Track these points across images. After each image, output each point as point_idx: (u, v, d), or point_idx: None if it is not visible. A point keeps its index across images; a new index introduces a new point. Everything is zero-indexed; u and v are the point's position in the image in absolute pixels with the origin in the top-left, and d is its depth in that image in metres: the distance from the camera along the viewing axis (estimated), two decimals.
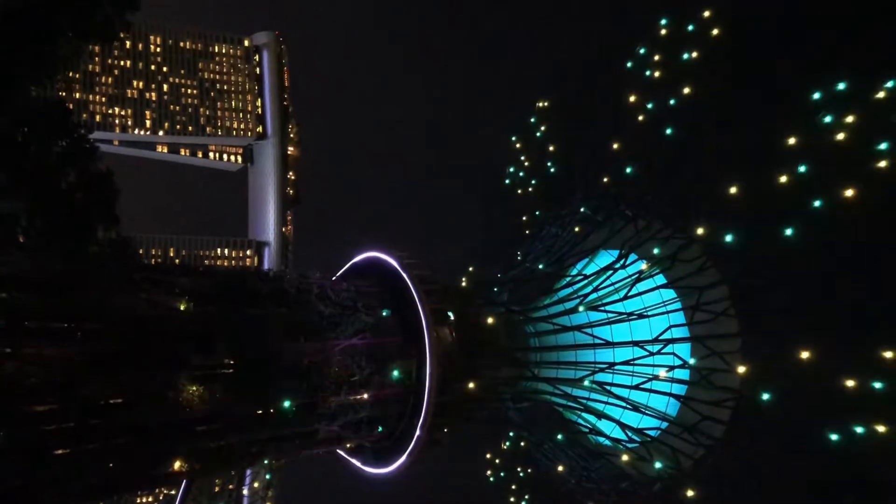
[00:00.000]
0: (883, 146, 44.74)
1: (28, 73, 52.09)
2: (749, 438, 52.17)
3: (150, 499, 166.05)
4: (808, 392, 46.27)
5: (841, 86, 46.93)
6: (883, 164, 44.53)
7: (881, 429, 42.74)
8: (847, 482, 45.87)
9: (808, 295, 48.28)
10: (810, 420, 46.38)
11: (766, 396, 47.37)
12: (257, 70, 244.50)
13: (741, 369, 50.20)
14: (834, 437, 44.26)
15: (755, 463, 50.62)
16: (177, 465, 42.92)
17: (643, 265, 56.03)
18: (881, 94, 45.71)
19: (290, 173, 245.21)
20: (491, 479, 70.76)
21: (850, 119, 46.21)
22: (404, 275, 53.20)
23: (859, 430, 43.49)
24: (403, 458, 52.71)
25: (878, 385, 42.93)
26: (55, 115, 54.03)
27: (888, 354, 42.18)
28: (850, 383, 43.36)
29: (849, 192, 44.21)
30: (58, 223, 49.43)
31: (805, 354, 44.55)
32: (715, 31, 55.03)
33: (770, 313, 51.57)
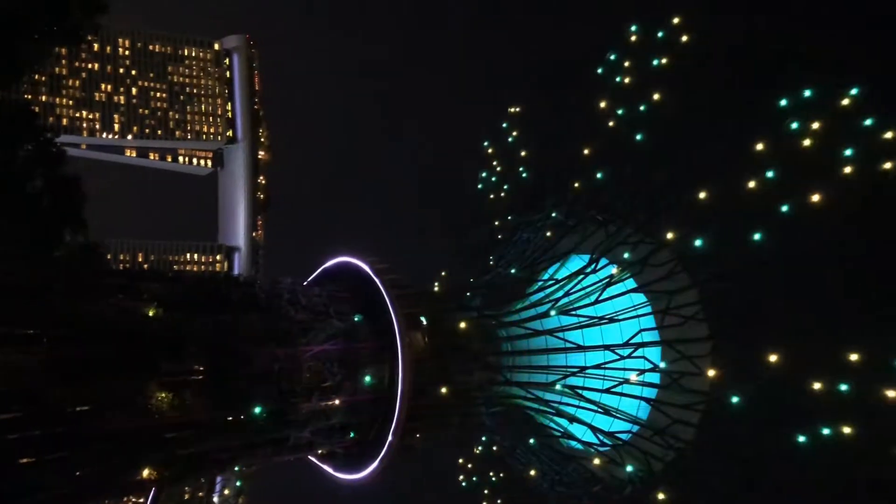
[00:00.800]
0: (848, 152, 45.65)
1: None
2: (718, 441, 52.65)
3: None
4: (776, 394, 46.83)
5: (807, 93, 47.77)
6: (848, 169, 45.46)
7: (847, 430, 43.42)
8: (816, 483, 46.47)
9: (776, 299, 48.95)
10: (778, 422, 46.99)
11: (735, 399, 47.89)
12: (228, 74, 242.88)
13: (711, 373, 50.69)
14: (801, 438, 44.95)
15: (725, 465, 51.10)
16: (146, 472, 42.43)
17: (614, 269, 56.37)
18: (845, 101, 46.67)
19: (261, 178, 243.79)
20: (464, 483, 70.71)
21: (815, 125, 47.06)
22: (376, 280, 53.06)
23: (826, 431, 44.17)
24: (375, 464, 52.51)
25: (843, 387, 43.62)
26: (21, 119, 53.32)
27: (853, 357, 42.83)
28: (817, 385, 44.00)
29: (815, 198, 44.93)
30: (24, 228, 48.75)
31: (773, 357, 45.13)
32: (684, 38, 55.64)
33: (739, 317, 52.12)
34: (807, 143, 47.36)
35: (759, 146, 48.66)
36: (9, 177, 50.74)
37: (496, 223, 69.49)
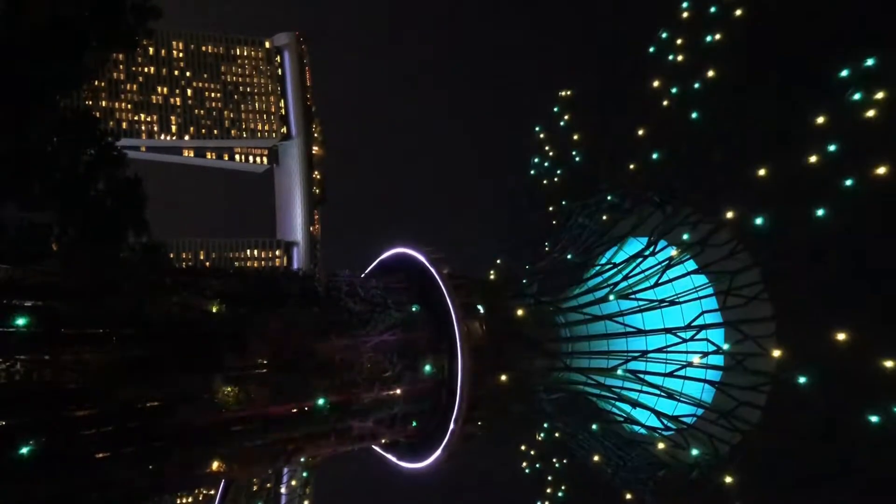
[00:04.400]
0: None
1: (56, 84, 52.84)
2: (786, 422, 51.57)
3: (189, 499, 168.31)
4: (845, 374, 45.56)
5: (870, 62, 46.05)
6: None
7: None
8: (888, 464, 45.14)
9: (842, 275, 47.54)
10: (849, 402, 45.68)
11: (802, 380, 46.78)
12: (279, 71, 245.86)
13: (776, 353, 49.63)
14: (874, 419, 43.58)
15: (793, 447, 50.04)
16: (215, 465, 43.41)
17: (673, 251, 55.56)
18: None
19: (316, 172, 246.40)
20: (527, 470, 70.73)
21: (879, 95, 45.31)
22: (432, 270, 53.24)
23: None
24: (438, 452, 52.84)
25: None
26: (83, 125, 54.79)
27: None
28: (889, 364, 42.59)
29: (881, 170, 43.43)
30: (89, 231, 50.17)
31: (841, 336, 43.83)
32: (738, 12, 54.40)
33: (804, 295, 50.87)
34: (870, 114, 45.70)
35: (821, 119, 47.22)
36: (73, 181, 52.25)
37: (551, 208, 69.10)
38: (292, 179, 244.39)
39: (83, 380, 36.95)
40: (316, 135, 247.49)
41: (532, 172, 72.30)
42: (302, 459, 51.99)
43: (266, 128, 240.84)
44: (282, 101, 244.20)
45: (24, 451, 33.85)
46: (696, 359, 54.21)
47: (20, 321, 35.56)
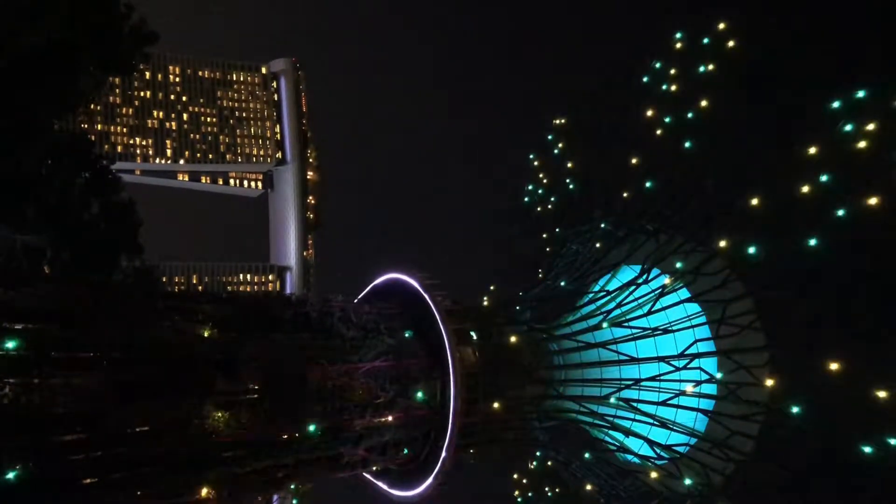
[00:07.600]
0: None
1: (51, 107, 52.95)
2: (779, 452, 51.38)
3: None
4: (838, 404, 45.51)
5: (861, 93, 46.51)
6: None
7: None
8: (881, 495, 44.99)
9: (835, 305, 47.65)
10: (842, 432, 45.58)
11: (795, 409, 46.71)
12: (275, 97, 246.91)
13: (769, 382, 49.58)
14: (867, 449, 43.45)
15: (786, 477, 49.81)
16: (204, 491, 42.95)
17: (666, 280, 55.62)
18: None
19: (310, 198, 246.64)
20: (519, 499, 70.17)
21: (870, 127, 45.72)
22: (426, 296, 53.15)
23: (894, 441, 42.66)
24: (430, 480, 52.41)
25: None
26: (78, 148, 54.86)
27: None
28: (882, 394, 42.54)
29: (872, 200, 43.71)
30: (82, 254, 50.05)
31: (834, 366, 43.80)
32: (731, 43, 54.99)
33: (797, 325, 50.93)
34: (861, 145, 46.09)
35: (812, 150, 47.57)
36: (67, 204, 52.24)
37: (544, 236, 69.29)
38: (286, 204, 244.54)
39: (72, 404, 36.64)
40: (311, 160, 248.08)
41: (526, 200, 72.53)
42: (292, 486, 51.40)
43: (261, 153, 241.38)
44: (277, 126, 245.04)
45: (11, 475, 33.47)
46: (689, 388, 54.08)
47: (10, 344, 35.31)
